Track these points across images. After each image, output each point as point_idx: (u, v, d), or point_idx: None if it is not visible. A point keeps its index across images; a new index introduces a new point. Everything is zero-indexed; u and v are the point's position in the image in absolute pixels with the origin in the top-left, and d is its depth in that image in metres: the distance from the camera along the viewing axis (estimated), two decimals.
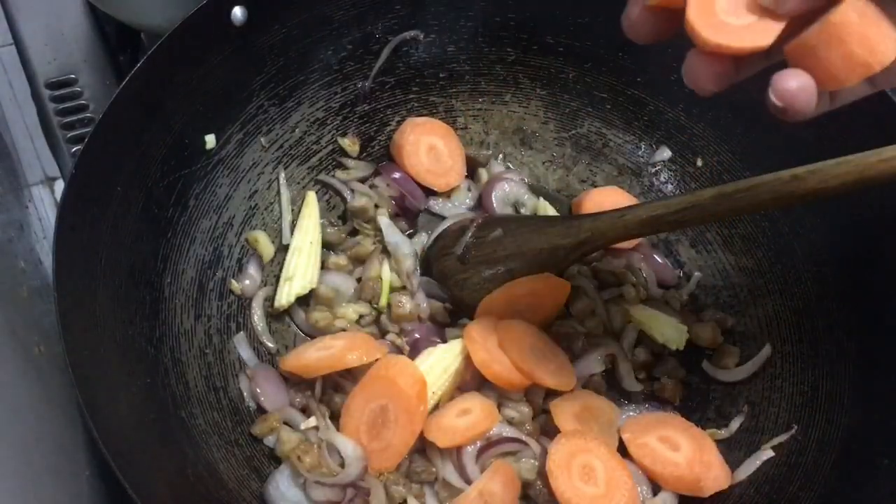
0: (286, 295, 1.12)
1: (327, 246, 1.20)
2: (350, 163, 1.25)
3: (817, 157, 0.86)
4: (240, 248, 1.15)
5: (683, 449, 1.03)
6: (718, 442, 1.06)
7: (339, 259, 1.18)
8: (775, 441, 1.03)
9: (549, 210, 1.25)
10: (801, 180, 0.84)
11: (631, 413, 1.09)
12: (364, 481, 0.97)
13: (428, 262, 1.17)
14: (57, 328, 0.82)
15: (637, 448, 1.03)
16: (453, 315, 1.14)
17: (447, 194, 1.26)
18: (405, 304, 1.12)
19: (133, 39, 1.41)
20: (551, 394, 1.07)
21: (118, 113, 0.95)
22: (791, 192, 0.85)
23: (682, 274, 1.22)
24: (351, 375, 1.05)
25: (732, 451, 1.05)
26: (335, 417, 1.03)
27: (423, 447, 1.03)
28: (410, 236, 1.22)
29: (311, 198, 1.21)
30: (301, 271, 1.13)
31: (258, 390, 1.07)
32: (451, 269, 1.13)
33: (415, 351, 1.08)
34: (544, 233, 1.08)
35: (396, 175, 1.23)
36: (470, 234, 1.13)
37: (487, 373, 1.02)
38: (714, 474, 1.01)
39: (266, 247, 1.16)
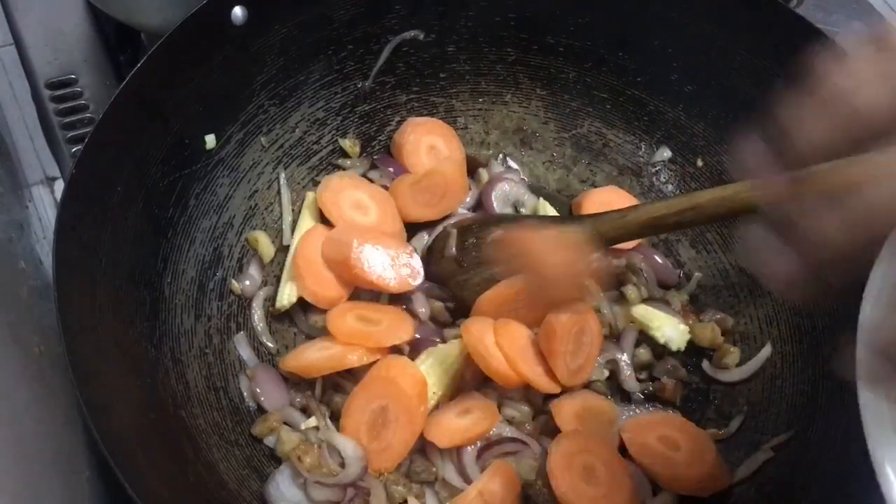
0: (287, 296, 1.12)
1: None
2: (346, 163, 1.25)
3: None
4: (240, 248, 1.15)
5: (683, 449, 1.03)
6: (718, 442, 1.06)
7: None
8: (775, 441, 1.03)
9: (549, 210, 1.25)
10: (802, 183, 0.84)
11: (631, 413, 1.09)
12: (364, 481, 0.97)
13: (428, 263, 1.17)
14: (57, 328, 0.82)
15: (637, 448, 1.03)
16: (453, 315, 1.14)
17: None
18: (405, 304, 1.12)
19: (133, 39, 1.41)
20: (551, 394, 1.07)
21: (118, 113, 0.94)
22: (792, 193, 0.85)
23: (682, 274, 1.22)
24: (351, 375, 1.05)
25: (732, 451, 1.05)
26: (335, 417, 1.03)
27: (423, 447, 1.02)
28: (410, 237, 1.22)
29: (312, 198, 1.21)
30: None
31: (258, 390, 1.07)
32: (451, 270, 1.13)
33: (415, 351, 1.08)
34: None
35: (392, 168, 1.23)
36: (472, 237, 1.13)
37: (485, 367, 1.02)
38: (714, 474, 1.01)
39: (266, 247, 1.16)
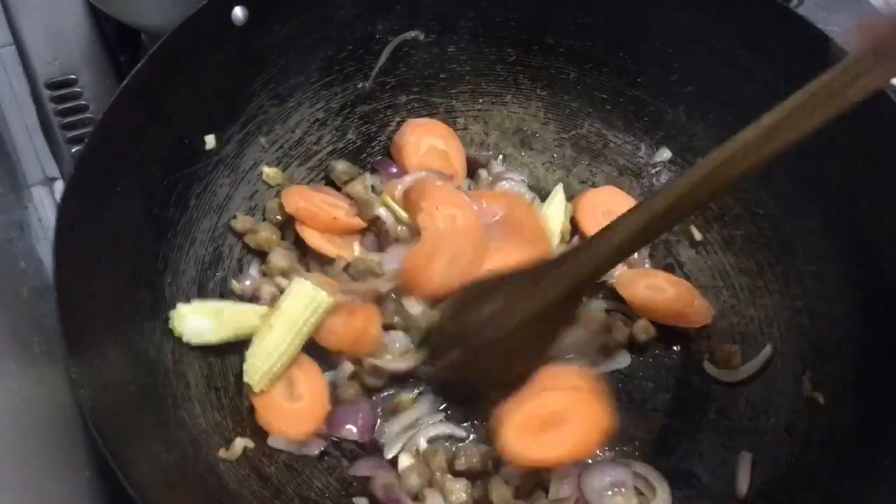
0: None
1: None
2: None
3: (818, 157, 0.85)
4: (240, 248, 1.15)
5: (670, 292, 1.17)
6: (719, 439, 1.06)
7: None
8: (775, 441, 1.03)
9: (560, 200, 1.24)
10: (759, 149, 0.82)
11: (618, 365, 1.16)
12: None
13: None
14: (57, 328, 0.82)
15: (629, 294, 1.16)
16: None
17: None
18: None
19: (133, 39, 1.41)
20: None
21: (118, 113, 0.94)
22: (761, 156, 0.82)
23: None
24: None
25: (733, 452, 1.05)
26: None
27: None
28: None
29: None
30: None
31: None
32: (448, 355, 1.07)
33: None
34: (516, 306, 0.97)
35: (394, 170, 1.23)
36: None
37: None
38: (696, 307, 1.15)
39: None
